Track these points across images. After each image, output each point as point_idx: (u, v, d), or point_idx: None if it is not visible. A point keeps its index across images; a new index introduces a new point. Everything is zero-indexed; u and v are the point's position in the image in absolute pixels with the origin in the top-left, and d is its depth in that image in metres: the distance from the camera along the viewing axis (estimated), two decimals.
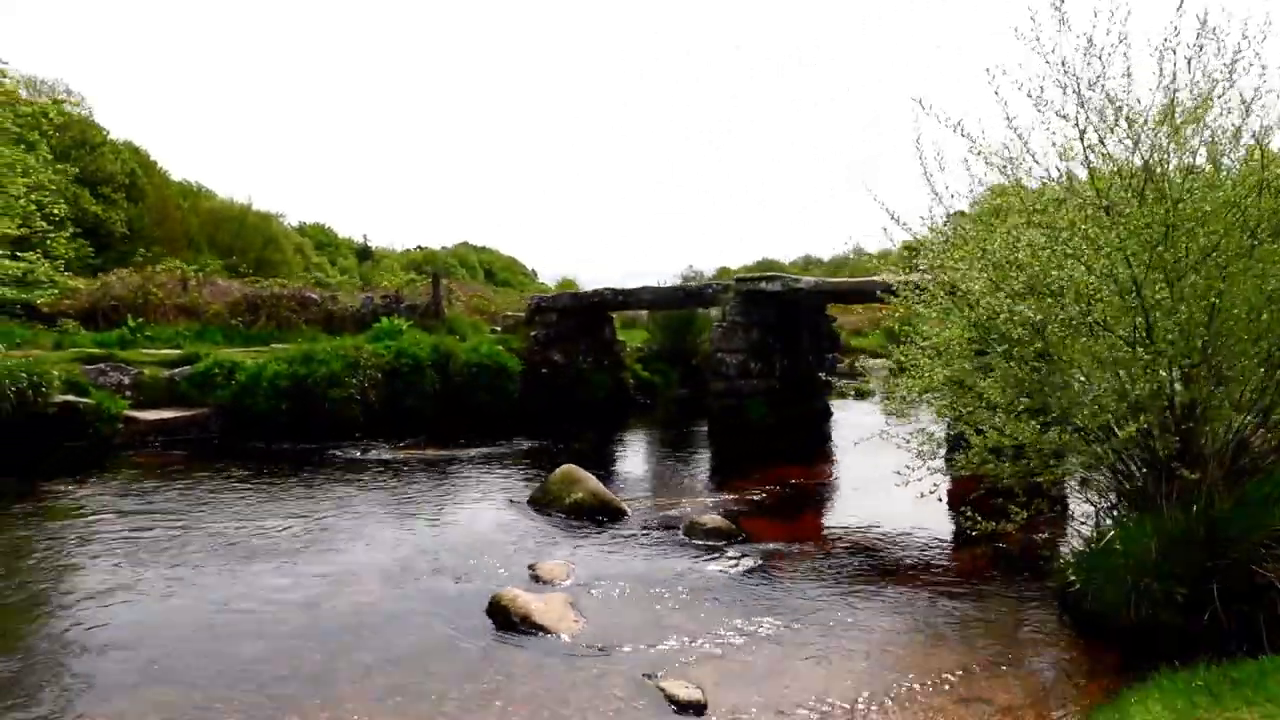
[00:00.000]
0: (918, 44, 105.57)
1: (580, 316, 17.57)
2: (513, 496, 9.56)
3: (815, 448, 13.48)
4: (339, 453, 12.25)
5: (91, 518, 8.41)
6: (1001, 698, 4.73)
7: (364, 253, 65.91)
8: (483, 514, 8.81)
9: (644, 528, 8.32)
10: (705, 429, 14.83)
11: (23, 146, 15.74)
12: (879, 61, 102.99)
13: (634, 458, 13.26)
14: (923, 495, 6.62)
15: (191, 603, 6.15)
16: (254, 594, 6.34)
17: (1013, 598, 6.45)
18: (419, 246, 74.43)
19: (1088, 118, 5.70)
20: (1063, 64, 5.65)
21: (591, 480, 8.85)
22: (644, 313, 20.83)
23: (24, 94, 15.50)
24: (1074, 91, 5.72)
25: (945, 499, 10.01)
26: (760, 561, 7.17)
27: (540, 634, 5.51)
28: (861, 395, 20.62)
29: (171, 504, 9.00)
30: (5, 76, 15.32)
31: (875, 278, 14.24)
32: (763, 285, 13.96)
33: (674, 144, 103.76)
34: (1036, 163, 6.25)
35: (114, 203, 34.10)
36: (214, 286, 17.89)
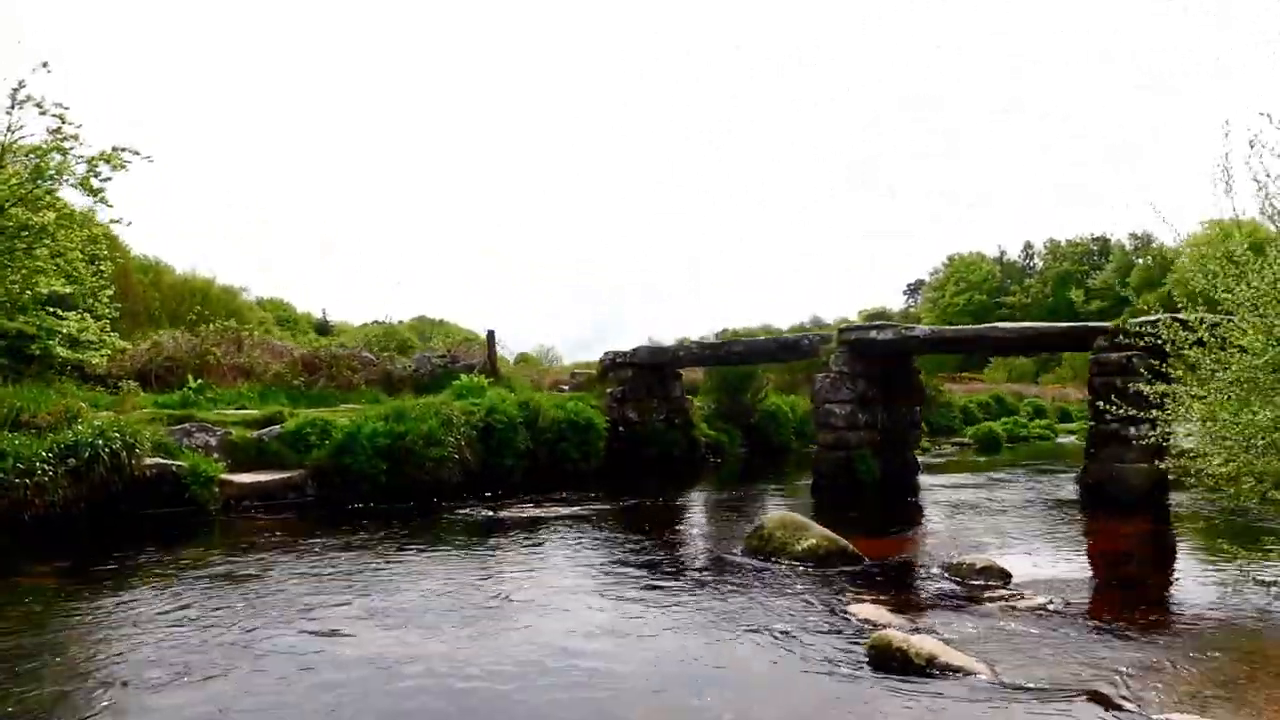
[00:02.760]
0: (918, 44, 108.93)
1: (653, 373, 17.11)
2: (714, 548, 9.02)
3: (939, 500, 13.10)
4: (466, 511, 11.58)
5: (271, 592, 7.61)
6: None
7: (322, 327, 64.48)
8: (711, 566, 8.25)
9: (896, 571, 7.85)
10: (809, 482, 14.38)
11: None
12: (878, 61, 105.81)
13: (766, 512, 12.74)
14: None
15: (512, 666, 5.48)
16: (567, 652, 5.69)
17: None
18: (376, 320, 73.29)
19: None
20: None
21: (817, 526, 8.36)
22: (699, 373, 20.43)
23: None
24: None
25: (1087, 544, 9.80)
26: (1054, 598, 6.76)
27: (958, 675, 4.99)
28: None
29: (336, 571, 8.22)
30: (65, 122, 14.59)
31: (1001, 324, 14.13)
32: (873, 334, 13.72)
33: (673, 148, 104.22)
34: None
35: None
36: (268, 347, 17.03)
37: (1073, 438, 24.89)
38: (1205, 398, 7.27)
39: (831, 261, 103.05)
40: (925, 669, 5.05)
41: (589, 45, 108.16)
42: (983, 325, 13.59)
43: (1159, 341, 7.50)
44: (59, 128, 14.40)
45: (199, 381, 15.04)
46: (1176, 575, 7.90)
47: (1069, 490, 13.05)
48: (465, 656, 5.44)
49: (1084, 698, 4.66)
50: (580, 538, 9.76)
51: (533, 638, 5.87)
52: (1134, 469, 11.77)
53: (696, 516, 11.89)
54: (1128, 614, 6.53)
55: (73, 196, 15.05)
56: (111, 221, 15.72)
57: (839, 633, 5.91)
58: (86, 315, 15.51)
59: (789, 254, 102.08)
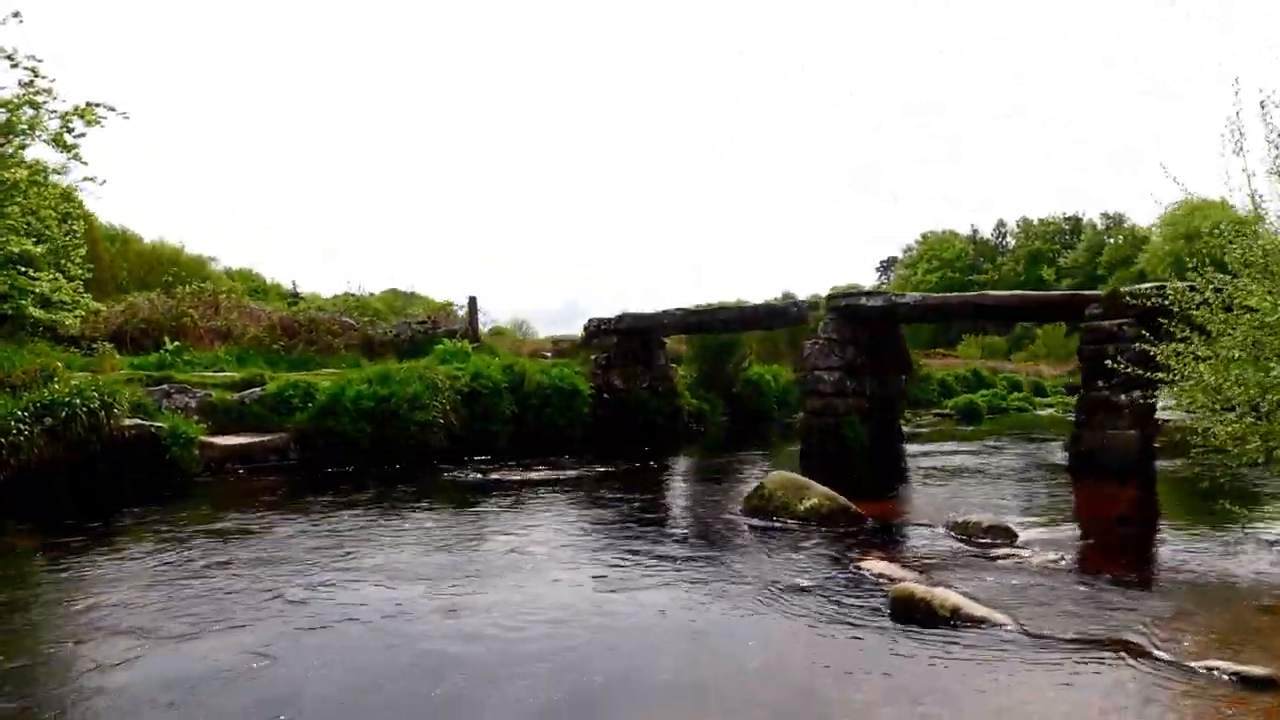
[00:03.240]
0: (920, 49, 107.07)
1: (637, 341, 16.95)
2: (714, 508, 8.92)
3: (929, 466, 13.06)
4: (457, 474, 11.40)
5: (273, 549, 7.42)
6: None
7: (293, 298, 63.99)
8: (714, 525, 8.16)
9: (901, 530, 7.80)
10: (795, 449, 14.33)
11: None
12: (881, 67, 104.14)
13: (757, 477, 12.67)
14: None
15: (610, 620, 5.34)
16: (587, 606, 5.57)
17: None
18: (346, 293, 72.53)
19: None
20: None
21: (819, 486, 8.26)
22: (682, 344, 20.29)
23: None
24: None
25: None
26: (1064, 555, 6.73)
27: (984, 626, 4.91)
28: None
29: (336, 529, 8.04)
30: (38, 75, 14.15)
31: (992, 292, 14.09)
32: (863, 301, 13.65)
33: (676, 153, 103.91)
34: None
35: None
36: (245, 310, 16.70)
37: (1051, 410, 25.05)
38: (1211, 359, 7.22)
39: (833, 267, 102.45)
40: (950, 620, 4.96)
41: (593, 50, 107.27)
42: (972, 293, 13.55)
43: (1165, 302, 7.43)
44: (31, 80, 13.94)
45: (175, 344, 14.72)
46: (1180, 535, 7.87)
47: (1059, 458, 13.07)
48: (487, 607, 5.31)
49: (1116, 647, 4.59)
50: (580, 499, 9.63)
51: (549, 593, 5.75)
52: (1125, 435, 11.79)
53: (690, 480, 11.82)
54: (1138, 570, 6.57)
55: (44, 154, 14.66)
56: (85, 179, 15.26)
57: (856, 587, 5.82)
58: (59, 275, 15.12)
59: (791, 259, 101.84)
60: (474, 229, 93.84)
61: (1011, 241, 69.10)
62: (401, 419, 12.73)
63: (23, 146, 13.81)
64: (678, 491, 10.50)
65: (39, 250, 14.50)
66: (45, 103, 14.06)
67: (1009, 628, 4.89)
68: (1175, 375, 7.46)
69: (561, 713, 3.83)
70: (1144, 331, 10.35)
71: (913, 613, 5.09)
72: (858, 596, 5.59)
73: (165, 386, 12.35)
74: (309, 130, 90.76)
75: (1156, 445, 12.39)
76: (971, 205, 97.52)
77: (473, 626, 4.94)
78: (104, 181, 16.29)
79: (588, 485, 10.57)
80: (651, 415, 16.82)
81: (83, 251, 15.66)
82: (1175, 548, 7.38)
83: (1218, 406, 7.27)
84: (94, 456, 10.82)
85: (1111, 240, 58.41)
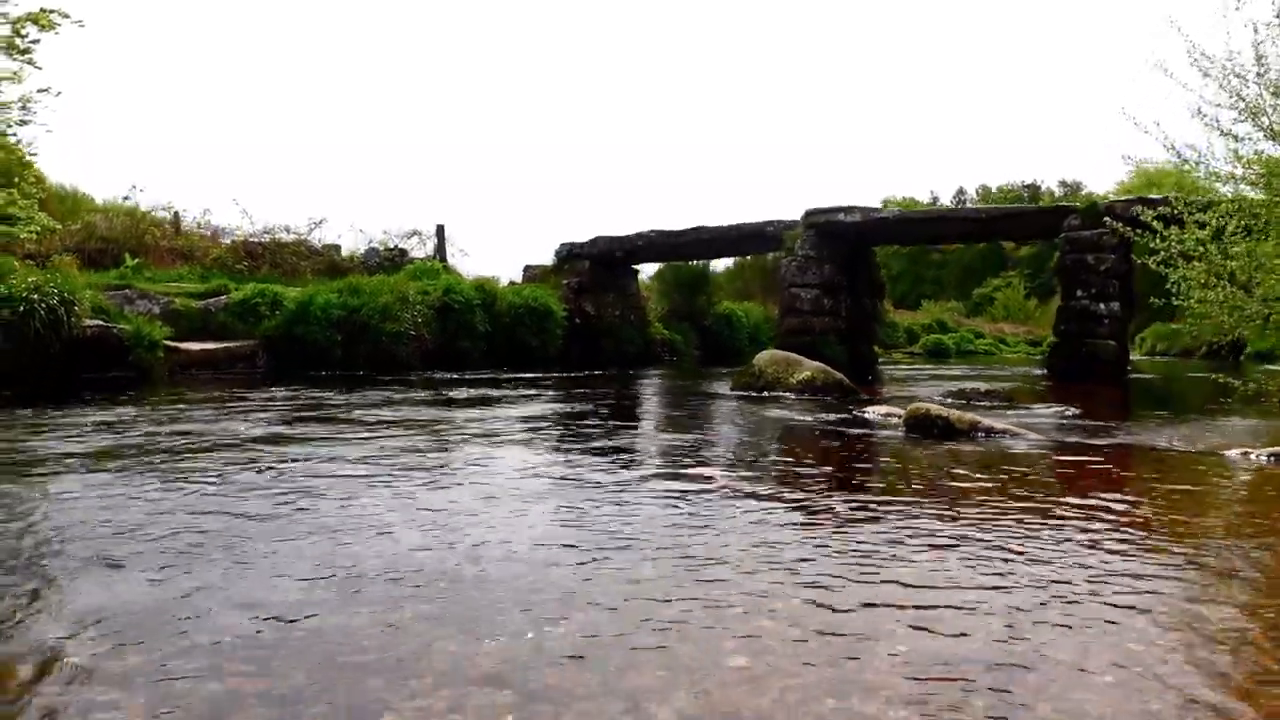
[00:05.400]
0: (889, 10, 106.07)
1: (609, 269, 16.67)
2: (705, 391, 8.75)
3: (909, 377, 12.99)
4: (439, 375, 11.16)
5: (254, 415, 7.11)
6: None
7: None
8: (711, 399, 7.97)
9: (898, 399, 7.67)
10: None
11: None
12: (849, 28, 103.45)
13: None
14: None
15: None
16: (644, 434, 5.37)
17: None
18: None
19: None
20: None
21: (810, 360, 8.12)
22: (653, 275, 20.05)
23: None
24: None
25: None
26: (1068, 410, 6.64)
27: (1005, 435, 4.77)
28: None
29: (314, 412, 7.74)
30: None
31: (970, 207, 13.98)
32: (840, 217, 13.49)
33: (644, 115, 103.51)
34: None
35: None
36: (209, 228, 16.20)
37: (1016, 355, 25.20)
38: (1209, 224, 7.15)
39: None
40: (969, 433, 4.83)
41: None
42: (948, 207, 13.46)
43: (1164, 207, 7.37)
44: None
45: (136, 260, 14.19)
46: (1170, 407, 7.85)
47: (1037, 373, 13.08)
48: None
49: (1149, 449, 4.50)
50: (579, 392, 9.37)
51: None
52: (1104, 344, 11.82)
53: (672, 382, 11.62)
54: (1142, 418, 6.49)
55: None
56: (39, 91, 14.64)
57: (865, 422, 5.67)
58: (14, 191, 14.53)
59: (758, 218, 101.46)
60: (440, 200, 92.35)
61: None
62: (372, 330, 12.39)
63: None
64: (663, 387, 10.31)
65: None
66: None
67: (1031, 437, 4.77)
68: (1169, 248, 7.37)
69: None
70: (1116, 243, 10.39)
71: (930, 429, 4.94)
72: (867, 425, 5.45)
73: (127, 292, 11.91)
74: (277, 93, 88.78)
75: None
76: (932, 172, 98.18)
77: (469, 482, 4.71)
78: (59, 93, 15.66)
79: (583, 385, 10.35)
80: (624, 342, 16.58)
81: (36, 170, 15.05)
82: (1170, 413, 7.35)
83: (1213, 279, 7.20)
84: (52, 357, 10.36)
85: None
